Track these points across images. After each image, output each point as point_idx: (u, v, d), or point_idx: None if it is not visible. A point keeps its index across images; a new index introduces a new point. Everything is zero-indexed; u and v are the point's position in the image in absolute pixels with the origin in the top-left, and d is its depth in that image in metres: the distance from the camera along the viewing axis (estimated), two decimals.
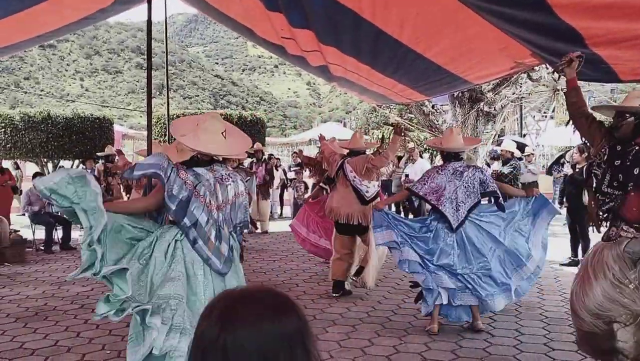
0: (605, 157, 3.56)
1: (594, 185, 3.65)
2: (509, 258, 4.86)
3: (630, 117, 3.55)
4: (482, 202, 5.01)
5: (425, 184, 5.01)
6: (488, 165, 10.46)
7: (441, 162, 5.27)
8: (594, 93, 27.95)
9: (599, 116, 3.85)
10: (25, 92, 69.49)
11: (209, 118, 3.52)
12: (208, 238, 3.27)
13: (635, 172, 3.41)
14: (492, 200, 5.04)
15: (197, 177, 3.34)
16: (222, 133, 3.43)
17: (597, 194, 3.63)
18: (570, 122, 3.88)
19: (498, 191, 4.98)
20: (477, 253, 4.80)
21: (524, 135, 18.67)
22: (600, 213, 3.62)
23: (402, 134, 5.97)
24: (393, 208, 11.15)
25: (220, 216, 3.36)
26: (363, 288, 6.36)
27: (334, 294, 6.16)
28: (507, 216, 4.94)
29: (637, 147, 3.47)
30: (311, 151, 22.07)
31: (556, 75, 4.06)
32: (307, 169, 8.77)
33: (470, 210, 4.85)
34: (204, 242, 3.26)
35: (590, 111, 3.84)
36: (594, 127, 3.75)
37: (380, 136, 16.37)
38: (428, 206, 5.91)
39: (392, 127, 6.87)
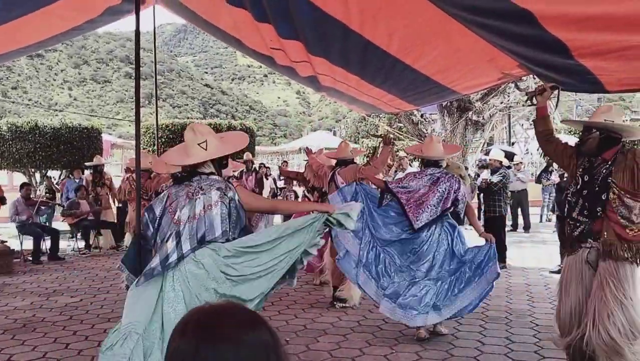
0: (579, 186, 3.68)
1: (565, 212, 3.79)
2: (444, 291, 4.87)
3: (596, 132, 3.66)
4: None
5: (400, 184, 5.25)
6: (477, 175, 10.51)
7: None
8: (581, 102, 28.24)
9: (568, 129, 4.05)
10: (13, 102, 69.02)
11: (186, 130, 3.51)
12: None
13: (603, 198, 3.57)
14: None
15: (175, 194, 3.38)
16: (199, 144, 3.36)
17: (568, 220, 3.76)
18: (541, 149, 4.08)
19: (459, 206, 5.08)
20: (415, 261, 4.91)
21: (513, 143, 18.80)
22: (574, 237, 3.75)
23: (392, 144, 6.03)
24: None
25: (173, 231, 3.29)
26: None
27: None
28: (458, 266, 4.95)
29: (604, 168, 3.60)
30: (301, 160, 22.10)
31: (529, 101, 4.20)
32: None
33: (439, 218, 4.96)
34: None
35: (556, 135, 4.06)
36: (560, 150, 3.92)
37: (371, 146, 16.47)
38: None
39: (380, 138, 6.92)
